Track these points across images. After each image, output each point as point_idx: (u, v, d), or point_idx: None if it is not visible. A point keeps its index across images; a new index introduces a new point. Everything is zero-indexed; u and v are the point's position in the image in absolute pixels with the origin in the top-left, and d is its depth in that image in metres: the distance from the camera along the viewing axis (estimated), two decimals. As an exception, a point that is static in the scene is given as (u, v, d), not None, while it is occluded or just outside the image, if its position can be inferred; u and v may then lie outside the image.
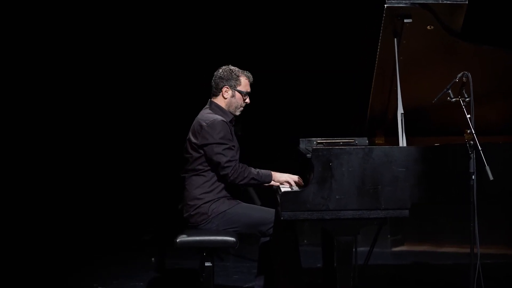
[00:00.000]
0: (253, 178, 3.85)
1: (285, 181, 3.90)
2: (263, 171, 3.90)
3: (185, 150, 3.99)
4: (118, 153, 6.16)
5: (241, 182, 3.84)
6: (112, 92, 6.10)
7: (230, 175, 3.81)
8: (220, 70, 3.99)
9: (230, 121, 4.00)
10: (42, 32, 5.78)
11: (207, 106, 4.03)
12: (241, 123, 4.14)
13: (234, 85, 3.97)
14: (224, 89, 3.96)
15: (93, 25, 5.92)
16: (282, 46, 5.99)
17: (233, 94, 3.98)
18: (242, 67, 4.05)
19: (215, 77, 3.99)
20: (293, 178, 3.92)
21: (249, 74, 4.02)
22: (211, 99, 4.05)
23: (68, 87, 6.00)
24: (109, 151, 6.16)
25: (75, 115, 6.06)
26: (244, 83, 3.99)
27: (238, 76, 3.97)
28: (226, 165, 3.82)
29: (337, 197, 3.50)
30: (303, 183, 3.86)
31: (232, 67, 4.00)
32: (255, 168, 3.94)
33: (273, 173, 3.91)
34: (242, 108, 4.02)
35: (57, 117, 6.01)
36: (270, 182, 3.90)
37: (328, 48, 5.96)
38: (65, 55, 5.92)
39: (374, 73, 3.91)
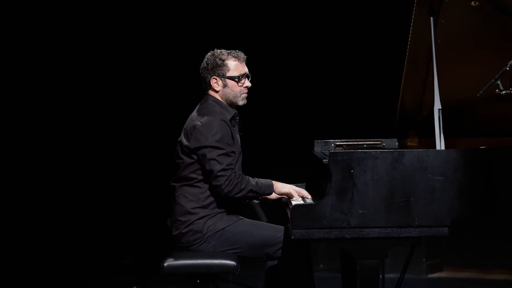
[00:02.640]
0: (251, 191, 3.87)
1: (287, 193, 3.93)
2: (262, 180, 3.91)
3: (176, 155, 4.01)
4: (93, 154, 6.20)
5: (237, 195, 3.86)
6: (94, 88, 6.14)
7: (223, 187, 3.82)
8: (204, 59, 4.02)
9: (233, 118, 4.01)
10: (33, 30, 6.02)
11: (203, 100, 4.06)
12: (242, 121, 4.13)
13: (222, 73, 3.98)
14: (212, 81, 4.00)
15: (82, 23, 6.09)
16: (295, 34, 6.06)
17: (224, 83, 4.00)
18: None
19: (201, 68, 4.03)
20: (296, 190, 3.93)
21: (238, 53, 4.02)
22: (206, 93, 4.07)
23: (54, 88, 6.16)
24: (83, 151, 6.21)
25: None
26: (234, 66, 4.00)
27: (223, 61, 3.98)
28: (219, 174, 3.83)
29: (359, 211, 3.51)
30: (309, 197, 3.90)
31: (216, 51, 4.02)
32: (251, 176, 3.96)
33: (274, 183, 3.93)
34: (244, 95, 4.03)
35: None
36: (272, 193, 3.92)
37: (348, 31, 6.00)
38: (55, 56, 6.10)
39: (405, 61, 3.92)
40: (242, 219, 4.01)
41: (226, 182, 3.84)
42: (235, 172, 3.87)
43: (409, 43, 3.85)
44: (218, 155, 3.86)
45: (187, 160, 3.95)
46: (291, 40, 6.02)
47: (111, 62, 6.10)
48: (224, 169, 3.85)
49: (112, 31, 6.03)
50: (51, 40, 6.00)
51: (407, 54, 3.88)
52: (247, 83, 4.03)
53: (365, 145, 4.38)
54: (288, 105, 6.14)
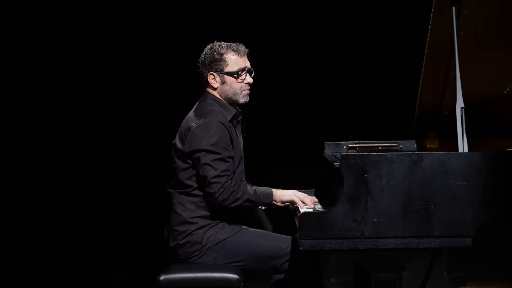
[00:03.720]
0: (248, 200, 3.84)
1: (289, 201, 3.91)
2: (261, 189, 3.90)
3: (171, 159, 4.00)
4: (84, 157, 6.16)
5: (233, 205, 3.83)
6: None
7: (217, 195, 3.80)
8: (202, 53, 4.01)
9: (234, 118, 3.99)
10: (27, 28, 6.06)
11: (201, 99, 4.05)
12: (245, 121, 4.12)
13: (220, 68, 3.96)
14: (210, 77, 3.98)
15: (69, 16, 6.09)
16: (304, 28, 6.04)
17: (222, 80, 3.98)
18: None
19: (198, 63, 4.02)
20: (300, 197, 3.91)
21: (239, 46, 3.99)
22: (204, 90, 4.07)
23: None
24: (73, 155, 6.17)
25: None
26: (233, 61, 3.97)
27: (221, 55, 3.96)
28: (213, 180, 3.80)
29: (374, 220, 3.50)
30: (311, 204, 3.89)
31: (215, 44, 4.00)
32: (254, 182, 3.98)
33: (274, 191, 3.92)
34: (246, 92, 4.00)
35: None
36: (271, 203, 3.91)
37: (363, 23, 5.94)
38: (43, 55, 6.11)
39: (425, 56, 3.90)
40: (246, 228, 3.99)
41: (221, 190, 3.81)
42: (231, 179, 3.85)
43: (428, 36, 3.83)
44: (213, 160, 3.83)
45: (182, 165, 3.93)
46: (299, 33, 5.99)
47: (105, 58, 6.09)
48: (218, 176, 3.82)
49: (103, 25, 6.02)
50: (40, 38, 6.03)
51: (426, 48, 3.87)
52: (248, 78, 4.00)
53: (380, 147, 4.39)
54: (295, 103, 6.06)
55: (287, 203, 3.93)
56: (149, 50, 6.04)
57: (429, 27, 3.81)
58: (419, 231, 3.51)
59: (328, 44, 5.94)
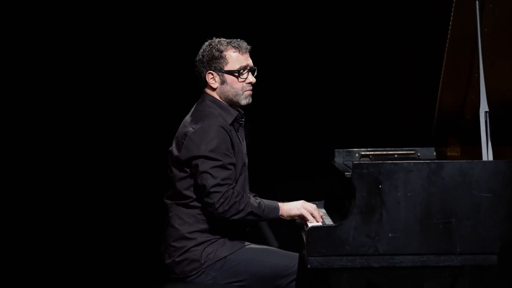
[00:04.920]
0: (251, 213, 3.80)
1: (297, 215, 3.87)
2: (267, 202, 3.86)
3: (168, 167, 3.98)
4: (72, 163, 6.19)
5: (234, 217, 3.79)
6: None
7: (217, 205, 3.76)
8: (200, 50, 4.00)
9: (235, 121, 3.97)
10: (23, 28, 6.14)
11: (199, 101, 4.04)
12: (249, 125, 4.10)
13: (220, 67, 3.94)
14: (208, 77, 3.96)
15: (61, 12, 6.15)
16: (313, 27, 6.06)
17: (222, 79, 3.96)
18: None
19: (196, 61, 4.02)
20: (308, 209, 3.88)
21: (240, 43, 3.97)
22: (203, 91, 4.05)
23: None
24: (55, 163, 6.19)
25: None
26: (234, 58, 3.96)
27: (221, 52, 3.94)
28: (212, 190, 3.77)
29: (390, 235, 3.50)
30: (319, 218, 3.88)
31: (214, 41, 3.99)
32: (257, 193, 3.96)
33: (281, 205, 3.88)
34: (248, 93, 3.97)
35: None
36: (277, 217, 3.87)
37: (379, 20, 5.94)
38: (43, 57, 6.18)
39: (445, 54, 3.91)
40: (248, 244, 3.96)
41: (221, 200, 3.77)
42: (233, 188, 3.83)
43: (449, 33, 3.83)
44: (212, 167, 3.79)
45: (179, 174, 3.91)
46: (307, 31, 6.02)
47: (97, 57, 6.14)
48: (218, 184, 3.78)
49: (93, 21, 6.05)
50: (32, 38, 6.12)
51: (446, 45, 3.87)
52: (251, 78, 3.98)
53: (396, 155, 4.38)
54: (303, 105, 6.06)
55: (295, 218, 3.91)
56: (144, 50, 6.08)
57: (450, 23, 3.82)
58: (439, 247, 3.50)
59: (339, 43, 5.97)
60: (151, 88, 6.10)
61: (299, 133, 6.04)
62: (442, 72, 3.99)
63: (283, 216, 3.89)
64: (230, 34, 4.10)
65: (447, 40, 3.87)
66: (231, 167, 3.85)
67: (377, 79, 5.93)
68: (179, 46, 5.87)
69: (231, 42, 3.96)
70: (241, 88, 3.96)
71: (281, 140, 6.03)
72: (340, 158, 4.47)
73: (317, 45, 6.01)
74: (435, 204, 3.51)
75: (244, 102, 3.98)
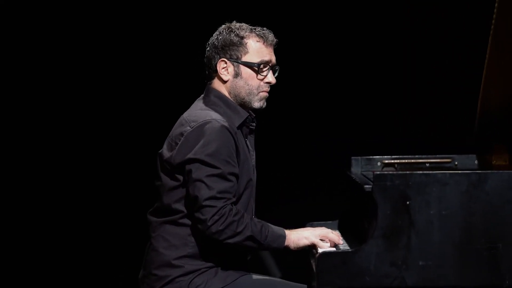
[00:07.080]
0: (250, 238, 3.55)
1: (307, 245, 3.64)
2: (273, 228, 3.64)
3: (155, 174, 3.79)
4: (62, 169, 6.20)
5: (228, 241, 3.53)
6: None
7: (210, 223, 3.48)
8: (216, 32, 3.81)
9: (244, 124, 3.76)
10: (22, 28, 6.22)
11: (202, 95, 3.85)
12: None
13: (237, 55, 3.69)
14: (220, 65, 3.72)
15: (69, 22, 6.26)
16: (334, 25, 5.98)
17: (236, 71, 3.69)
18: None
19: (208, 44, 3.82)
20: (321, 234, 3.64)
21: (266, 32, 3.76)
22: (208, 83, 3.85)
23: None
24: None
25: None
26: (256, 49, 3.71)
27: (242, 38, 3.70)
28: (205, 203, 3.49)
29: (420, 263, 3.33)
30: (341, 243, 3.81)
31: (235, 25, 3.78)
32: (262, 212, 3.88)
33: (287, 233, 3.65)
34: (264, 94, 3.74)
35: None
36: (281, 247, 3.64)
37: (418, 10, 5.85)
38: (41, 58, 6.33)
39: (488, 49, 3.76)
40: (246, 274, 3.72)
41: (215, 218, 3.48)
42: (231, 204, 3.58)
43: (493, 24, 3.67)
44: (208, 176, 3.51)
45: (169, 182, 3.64)
46: (323, 34, 6.01)
47: (89, 57, 6.22)
48: (214, 197, 3.50)
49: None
50: (35, 38, 6.23)
51: (490, 39, 3.71)
52: (271, 77, 3.74)
53: (427, 164, 4.29)
54: (314, 105, 5.99)
55: (307, 246, 3.74)
56: (144, 50, 6.06)
57: (494, 13, 3.68)
58: (482, 278, 3.34)
59: (358, 43, 5.94)
60: (149, 88, 6.11)
61: (308, 138, 6.01)
62: (485, 67, 3.86)
63: (289, 247, 3.66)
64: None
65: (490, 33, 3.70)
66: (232, 178, 3.59)
67: (407, 78, 5.89)
68: (179, 46, 5.89)
69: (255, 29, 3.77)
70: (256, 86, 3.70)
71: (286, 146, 6.00)
72: (358, 168, 4.38)
73: (336, 45, 6.01)
74: (477, 225, 3.35)
75: (257, 104, 3.72)
